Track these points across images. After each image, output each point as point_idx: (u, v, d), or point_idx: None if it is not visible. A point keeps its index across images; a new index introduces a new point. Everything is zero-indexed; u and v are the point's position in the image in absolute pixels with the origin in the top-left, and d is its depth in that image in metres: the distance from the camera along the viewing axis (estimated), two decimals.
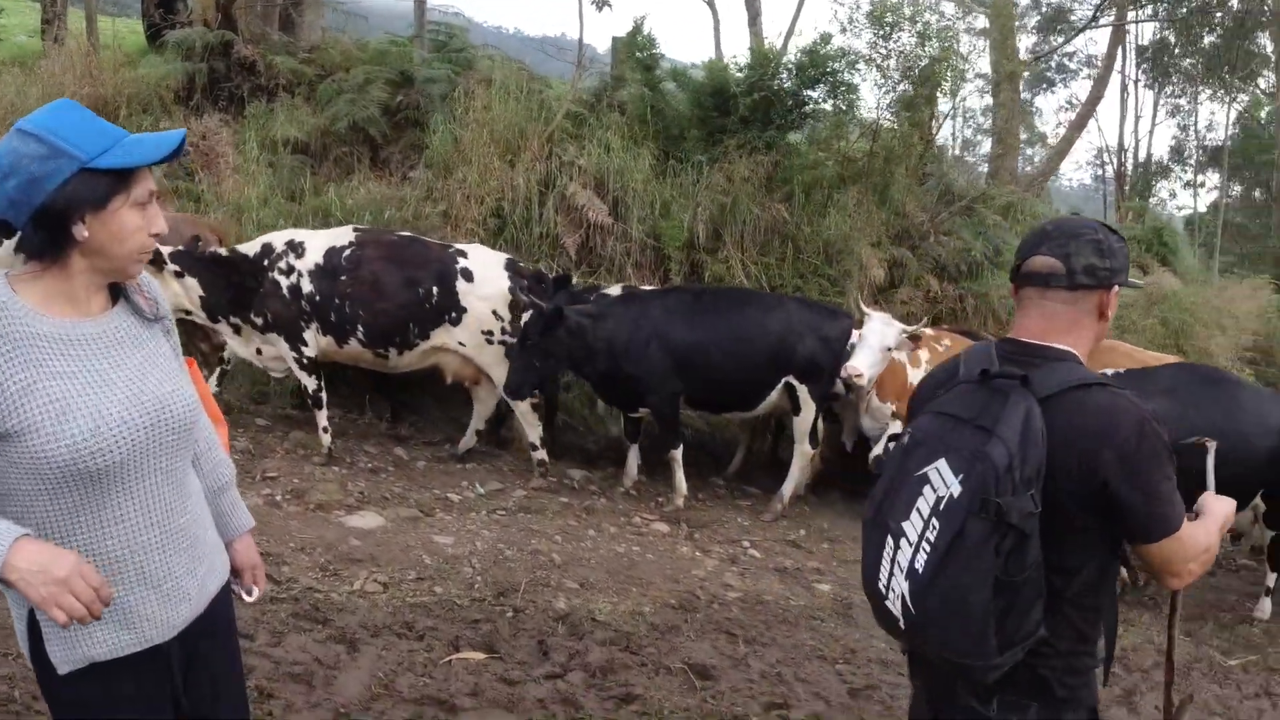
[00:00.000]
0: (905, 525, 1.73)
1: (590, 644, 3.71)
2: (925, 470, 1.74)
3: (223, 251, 5.70)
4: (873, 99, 9.14)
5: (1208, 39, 16.55)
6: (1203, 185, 20.68)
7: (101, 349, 1.52)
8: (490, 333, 5.77)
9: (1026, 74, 10.82)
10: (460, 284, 5.69)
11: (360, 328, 5.66)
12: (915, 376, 6.30)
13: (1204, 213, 17.81)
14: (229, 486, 1.86)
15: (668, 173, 8.50)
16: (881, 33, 8.24)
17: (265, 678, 3.08)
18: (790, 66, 8.40)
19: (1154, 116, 34.41)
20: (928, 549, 1.67)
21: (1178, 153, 20.48)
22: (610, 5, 9.10)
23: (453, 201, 7.76)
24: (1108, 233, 1.83)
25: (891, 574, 1.74)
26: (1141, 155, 19.83)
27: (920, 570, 1.68)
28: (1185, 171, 20.83)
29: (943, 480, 1.70)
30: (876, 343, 5.71)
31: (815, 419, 6.18)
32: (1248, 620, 5.33)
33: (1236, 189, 18.10)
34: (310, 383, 5.76)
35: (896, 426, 6.05)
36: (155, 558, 1.54)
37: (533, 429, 6.01)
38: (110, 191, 1.46)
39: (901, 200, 9.26)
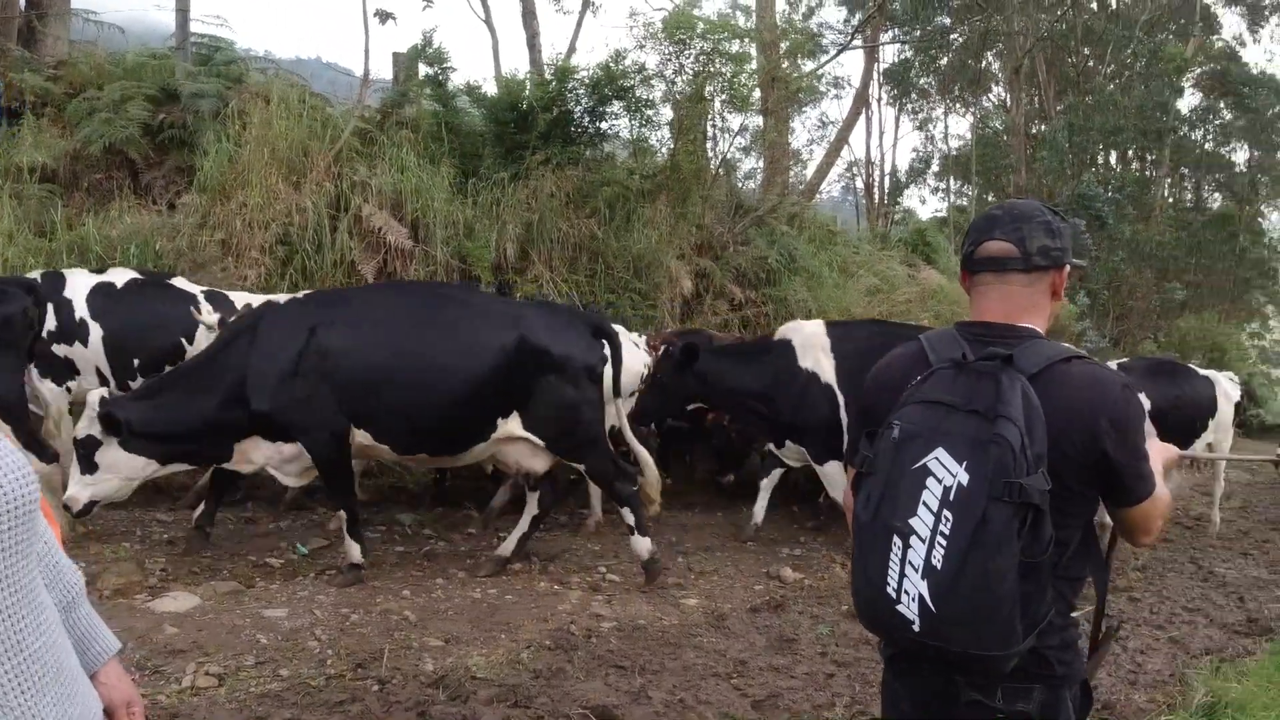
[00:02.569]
0: (913, 522, 1.63)
1: (476, 705, 3.32)
2: (924, 462, 1.65)
3: None
4: (669, 114, 9.31)
5: (943, 59, 18.62)
6: (946, 190, 23.23)
7: None
8: None
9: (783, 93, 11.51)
10: None
11: None
12: None
13: (946, 216, 19.93)
14: (80, 599, 1.38)
15: (469, 191, 8.13)
16: (673, 49, 8.38)
17: None
18: (587, 83, 8.34)
19: (896, 131, 38.37)
20: (944, 543, 1.59)
21: (924, 162, 22.87)
22: (394, 19, 8.60)
23: (232, 229, 6.93)
24: (1053, 214, 1.83)
25: (903, 575, 1.64)
26: (888, 167, 21.93)
27: (940, 566, 1.58)
28: (929, 180, 23.31)
29: (946, 470, 1.63)
30: None
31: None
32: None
33: (972, 192, 20.48)
34: None
35: None
36: (13, 699, 1.08)
37: None
38: None
39: (700, 213, 9.48)
